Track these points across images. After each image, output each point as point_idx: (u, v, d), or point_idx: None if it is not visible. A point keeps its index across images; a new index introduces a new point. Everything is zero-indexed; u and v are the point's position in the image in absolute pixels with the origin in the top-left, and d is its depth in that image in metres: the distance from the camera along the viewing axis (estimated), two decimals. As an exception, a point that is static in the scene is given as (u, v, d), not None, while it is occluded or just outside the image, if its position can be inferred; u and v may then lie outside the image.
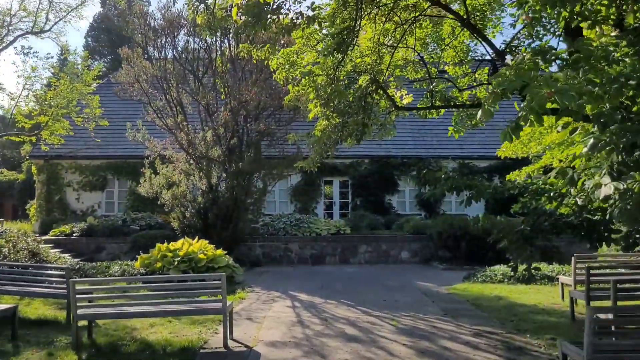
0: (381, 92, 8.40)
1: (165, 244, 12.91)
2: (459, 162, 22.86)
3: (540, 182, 6.98)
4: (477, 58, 9.22)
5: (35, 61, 68.31)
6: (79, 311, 6.74)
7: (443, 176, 7.41)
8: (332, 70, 7.47)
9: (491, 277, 12.44)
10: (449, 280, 13.03)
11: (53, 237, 17.47)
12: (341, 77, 7.70)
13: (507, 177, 12.38)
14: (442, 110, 8.74)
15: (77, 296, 6.75)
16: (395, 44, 8.28)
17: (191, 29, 15.75)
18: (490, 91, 4.20)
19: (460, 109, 8.55)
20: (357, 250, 17.01)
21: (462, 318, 8.70)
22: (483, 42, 7.50)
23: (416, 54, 8.71)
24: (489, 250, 15.35)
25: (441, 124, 25.11)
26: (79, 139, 22.25)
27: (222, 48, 16.25)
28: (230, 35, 16.02)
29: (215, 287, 7.23)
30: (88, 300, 7.12)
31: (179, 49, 16.13)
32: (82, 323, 7.11)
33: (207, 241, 13.13)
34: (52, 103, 19.53)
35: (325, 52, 7.13)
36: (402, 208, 22.97)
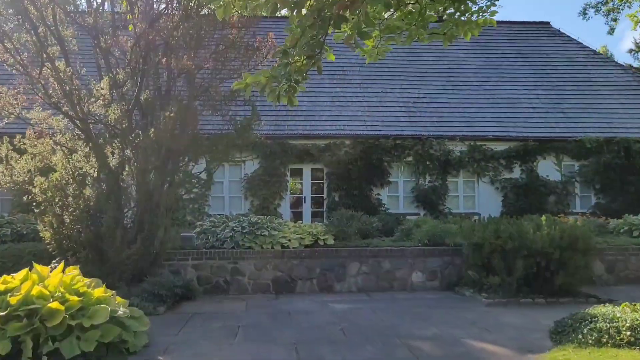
0: None
1: (-10, 280, 6.65)
2: (469, 144, 17.35)
3: None
4: None
5: None
6: None
7: None
8: None
9: (608, 333, 6.77)
10: (520, 333, 7.36)
11: None
12: None
13: None
14: None
15: None
16: None
17: None
18: None
19: None
20: (345, 270, 11.04)
21: None
22: None
23: None
24: (555, 272, 9.80)
25: (443, 95, 19.44)
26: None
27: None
28: None
29: None
30: None
31: None
32: None
33: (76, 271, 6.92)
34: None
35: None
36: (394, 205, 17.27)
